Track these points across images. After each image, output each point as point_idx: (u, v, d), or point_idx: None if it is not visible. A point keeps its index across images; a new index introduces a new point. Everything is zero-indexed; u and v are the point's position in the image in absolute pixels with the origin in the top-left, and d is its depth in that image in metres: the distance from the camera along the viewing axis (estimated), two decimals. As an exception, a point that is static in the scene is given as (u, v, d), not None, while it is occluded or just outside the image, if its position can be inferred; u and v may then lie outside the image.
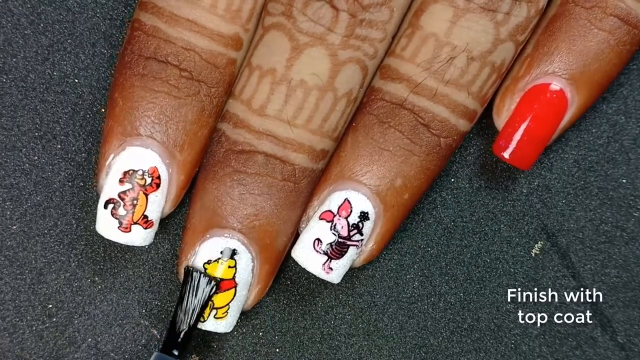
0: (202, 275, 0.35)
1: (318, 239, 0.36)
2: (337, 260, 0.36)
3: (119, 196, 0.35)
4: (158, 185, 0.35)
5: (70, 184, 0.39)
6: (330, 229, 0.36)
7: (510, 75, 0.37)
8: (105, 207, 0.35)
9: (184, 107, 0.35)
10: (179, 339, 0.35)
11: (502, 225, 0.40)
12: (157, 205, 0.36)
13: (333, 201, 0.36)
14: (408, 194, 0.36)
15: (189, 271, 0.35)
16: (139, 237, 0.35)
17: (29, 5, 0.39)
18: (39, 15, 0.39)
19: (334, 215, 0.36)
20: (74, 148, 0.39)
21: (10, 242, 0.38)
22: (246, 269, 0.36)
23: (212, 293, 0.35)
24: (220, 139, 0.36)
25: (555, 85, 0.36)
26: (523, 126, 0.36)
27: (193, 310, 0.35)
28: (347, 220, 0.36)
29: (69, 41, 0.39)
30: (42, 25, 0.39)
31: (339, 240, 0.36)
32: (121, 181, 0.35)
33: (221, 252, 0.36)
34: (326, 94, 0.35)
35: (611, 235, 0.40)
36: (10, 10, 0.39)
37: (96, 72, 0.39)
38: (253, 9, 0.35)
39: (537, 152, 0.37)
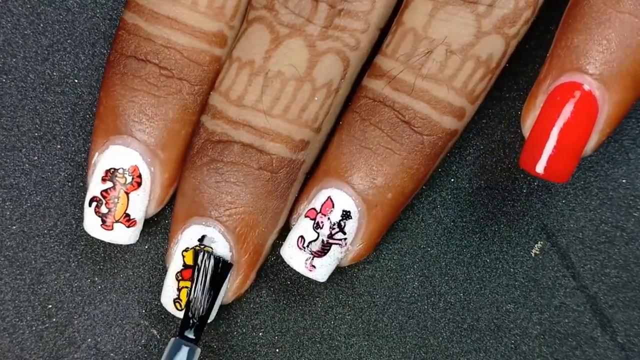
0: (212, 256, 0.35)
1: (302, 237, 0.36)
2: (320, 259, 0.36)
3: (102, 194, 0.35)
4: (139, 184, 0.36)
5: (70, 184, 0.39)
6: (313, 227, 0.36)
7: (536, 79, 0.35)
8: (90, 204, 0.35)
9: (165, 106, 0.35)
10: (194, 323, 0.35)
11: (502, 225, 0.40)
12: (139, 204, 0.36)
13: (317, 199, 0.36)
14: (391, 194, 0.36)
15: (197, 252, 0.35)
16: (122, 235, 0.36)
17: (29, 5, 0.39)
18: (39, 15, 0.39)
19: (317, 213, 0.36)
20: (74, 148, 0.39)
21: (10, 242, 0.38)
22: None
23: (224, 273, 0.35)
24: (199, 130, 0.36)
25: (579, 83, 0.32)
26: (552, 134, 0.32)
27: (206, 292, 0.35)
28: (329, 219, 0.36)
29: (68, 41, 0.39)
30: (42, 25, 0.39)
31: (322, 238, 0.36)
32: (103, 179, 0.35)
33: (199, 240, 0.36)
34: (304, 84, 0.35)
35: (611, 235, 0.40)
36: (10, 10, 0.39)
37: (96, 72, 0.39)
38: (237, 6, 0.35)
39: (574, 162, 0.32)
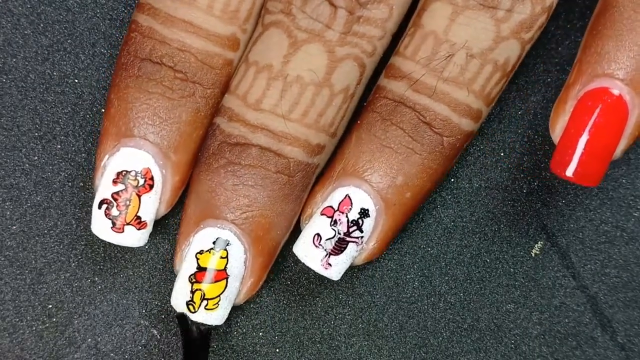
0: (191, 322, 0.36)
1: (318, 234, 0.36)
2: (336, 257, 0.36)
3: (112, 197, 0.35)
4: (151, 187, 0.36)
5: (70, 184, 0.39)
6: (330, 225, 0.36)
7: (564, 85, 0.35)
8: (99, 207, 0.35)
9: (178, 109, 0.35)
10: None
11: (502, 225, 0.40)
12: (150, 206, 0.36)
13: (335, 197, 0.36)
14: (410, 193, 0.36)
15: (180, 318, 0.36)
16: (132, 238, 0.35)
17: (29, 5, 0.39)
18: (39, 15, 0.39)
19: (335, 211, 0.36)
20: (74, 148, 0.39)
21: (10, 242, 0.38)
22: (238, 260, 0.36)
23: (208, 335, 0.36)
24: (215, 132, 0.36)
25: (610, 88, 0.33)
26: (582, 138, 0.32)
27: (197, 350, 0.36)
28: (347, 216, 0.36)
29: (69, 41, 0.39)
30: (42, 25, 0.39)
31: (339, 236, 0.36)
32: (114, 182, 0.35)
33: (214, 243, 0.36)
34: (322, 89, 0.35)
35: (611, 235, 0.40)
36: (10, 10, 0.39)
37: (96, 72, 0.39)
38: (251, 10, 0.35)
39: (604, 166, 0.33)
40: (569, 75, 0.35)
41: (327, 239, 0.36)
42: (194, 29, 0.35)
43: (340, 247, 0.36)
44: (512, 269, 0.39)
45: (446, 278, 0.39)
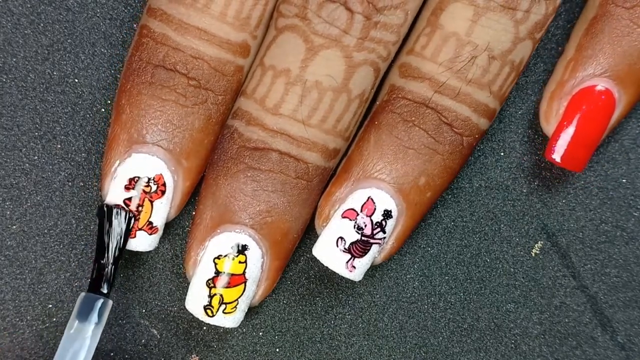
0: (114, 208, 0.35)
1: (341, 238, 0.36)
2: (360, 259, 0.36)
3: (124, 202, 0.35)
4: (163, 192, 0.36)
5: (70, 184, 0.39)
6: (354, 228, 0.36)
7: (554, 80, 0.38)
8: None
9: (191, 116, 0.35)
10: (107, 276, 0.35)
11: (502, 225, 0.40)
12: (162, 211, 0.36)
13: (356, 199, 0.36)
14: (430, 192, 0.36)
15: (102, 207, 0.35)
16: (144, 243, 0.36)
17: (29, 5, 0.39)
18: (39, 15, 0.39)
19: (357, 214, 0.36)
20: (74, 148, 0.39)
21: (10, 242, 0.38)
22: (256, 264, 0.36)
23: (129, 223, 0.35)
24: (233, 136, 0.36)
25: (602, 87, 0.36)
26: (572, 129, 0.36)
27: (114, 245, 0.35)
28: (370, 219, 0.36)
29: (69, 41, 0.39)
30: (42, 25, 0.39)
31: (363, 238, 0.36)
32: (127, 188, 0.35)
33: (232, 248, 0.36)
34: (341, 95, 0.35)
35: (611, 235, 0.40)
36: (10, 10, 0.39)
37: (96, 72, 0.39)
38: (262, 16, 0.35)
39: (589, 154, 0.37)
40: (560, 72, 0.37)
41: (351, 242, 0.36)
42: (207, 37, 0.35)
43: (364, 249, 0.36)
44: (512, 269, 0.39)
45: (446, 278, 0.39)
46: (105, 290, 0.35)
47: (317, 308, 0.39)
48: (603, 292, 0.39)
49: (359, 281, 0.39)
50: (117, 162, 0.36)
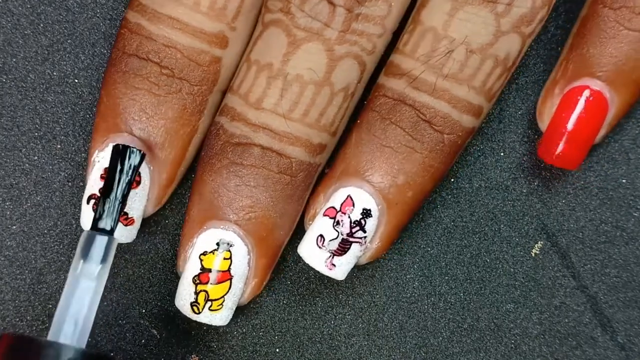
0: (124, 147, 0.33)
1: (321, 235, 0.36)
2: (340, 257, 0.36)
3: (100, 192, 0.35)
4: (138, 183, 0.36)
5: (70, 184, 0.39)
6: (333, 226, 0.36)
7: (550, 79, 0.38)
8: (88, 202, 0.35)
9: (164, 105, 0.36)
10: (112, 214, 0.33)
11: (502, 225, 0.40)
12: (137, 202, 0.36)
13: (336, 198, 0.36)
14: (412, 192, 0.36)
15: (117, 146, 0.34)
16: (120, 233, 0.35)
17: (29, 5, 0.39)
18: (39, 15, 0.39)
19: (337, 212, 0.36)
20: (74, 148, 0.39)
21: (10, 242, 0.38)
22: (242, 261, 0.36)
23: (141, 161, 0.34)
24: (218, 132, 0.36)
25: (593, 87, 0.36)
26: (562, 129, 0.37)
27: (125, 180, 0.33)
28: (349, 217, 0.36)
29: (69, 41, 0.39)
30: (42, 25, 0.39)
31: (342, 236, 0.36)
32: (102, 177, 0.35)
33: (217, 244, 0.36)
34: (323, 88, 0.35)
35: (611, 235, 0.40)
36: (10, 10, 0.39)
37: (96, 72, 0.39)
38: (239, 7, 0.35)
39: (583, 153, 0.37)
40: (554, 70, 0.38)
41: (330, 240, 0.36)
42: (180, 26, 0.35)
43: (343, 247, 0.36)
44: (512, 269, 0.39)
45: (446, 278, 0.39)
46: (108, 227, 0.33)
47: (317, 308, 0.39)
48: (603, 292, 0.39)
49: (359, 281, 0.39)
50: (96, 151, 0.36)
